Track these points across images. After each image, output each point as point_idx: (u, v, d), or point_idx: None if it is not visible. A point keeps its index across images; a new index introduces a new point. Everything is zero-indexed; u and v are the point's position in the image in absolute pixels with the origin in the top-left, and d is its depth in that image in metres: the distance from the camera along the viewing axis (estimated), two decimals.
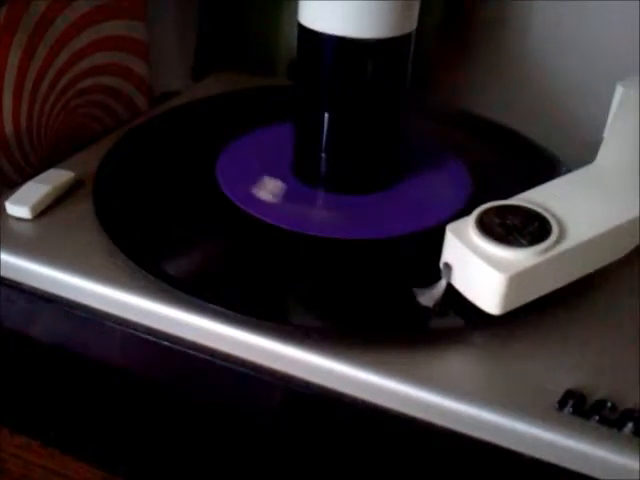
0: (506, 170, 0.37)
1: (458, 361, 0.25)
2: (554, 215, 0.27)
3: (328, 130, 0.32)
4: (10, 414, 0.35)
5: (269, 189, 0.31)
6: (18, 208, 0.31)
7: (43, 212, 0.31)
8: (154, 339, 0.27)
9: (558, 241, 0.26)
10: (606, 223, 0.27)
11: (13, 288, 0.29)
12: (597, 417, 0.23)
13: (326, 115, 0.32)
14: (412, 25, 0.30)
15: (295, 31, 0.32)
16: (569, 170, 0.32)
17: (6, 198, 0.31)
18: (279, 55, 0.52)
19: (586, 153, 0.31)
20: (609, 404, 0.23)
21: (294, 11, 0.31)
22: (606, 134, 0.31)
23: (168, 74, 0.56)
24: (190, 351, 0.27)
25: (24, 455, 0.35)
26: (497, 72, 0.51)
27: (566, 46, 0.47)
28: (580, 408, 0.23)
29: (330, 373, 0.25)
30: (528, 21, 0.48)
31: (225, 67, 0.50)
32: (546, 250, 0.25)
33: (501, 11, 0.48)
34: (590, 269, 0.27)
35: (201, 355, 0.27)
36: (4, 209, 0.31)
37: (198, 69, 0.56)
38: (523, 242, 0.25)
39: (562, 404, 0.23)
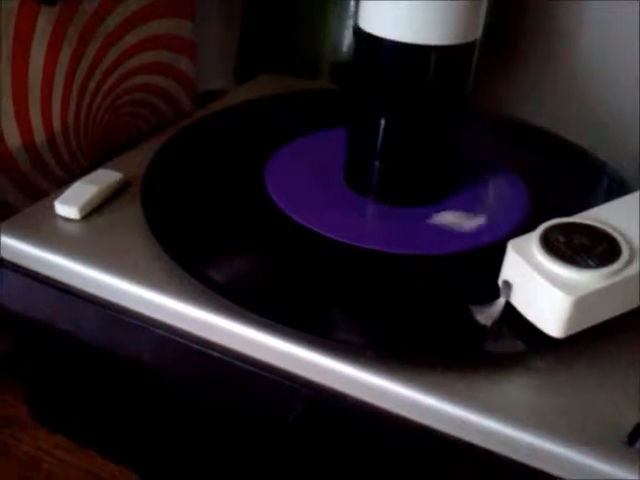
0: (564, 184, 0.35)
1: (519, 386, 0.24)
2: (623, 235, 0.25)
3: (383, 137, 0.31)
4: (50, 414, 0.35)
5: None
6: (67, 208, 0.30)
7: (91, 213, 0.31)
8: (198, 346, 0.27)
9: (628, 263, 0.24)
10: None
11: (59, 289, 0.29)
12: None
13: (382, 122, 0.31)
14: (476, 33, 0.29)
15: (339, 33, 0.31)
16: (632, 188, 0.30)
17: (55, 197, 0.31)
18: (323, 57, 0.51)
19: None
20: None
21: (339, 13, 0.30)
22: None
23: (210, 73, 0.56)
24: (236, 362, 0.26)
25: (61, 455, 0.34)
26: (547, 81, 0.49)
27: (619, 53, 0.46)
28: None
29: (384, 393, 0.24)
30: (578, 28, 0.47)
31: (268, 68, 0.50)
32: (615, 272, 0.24)
33: (549, 18, 0.47)
34: None
35: (247, 366, 0.26)
36: (53, 208, 0.31)
37: (241, 69, 0.56)
38: (591, 263, 0.24)
39: (632, 439, 0.22)
